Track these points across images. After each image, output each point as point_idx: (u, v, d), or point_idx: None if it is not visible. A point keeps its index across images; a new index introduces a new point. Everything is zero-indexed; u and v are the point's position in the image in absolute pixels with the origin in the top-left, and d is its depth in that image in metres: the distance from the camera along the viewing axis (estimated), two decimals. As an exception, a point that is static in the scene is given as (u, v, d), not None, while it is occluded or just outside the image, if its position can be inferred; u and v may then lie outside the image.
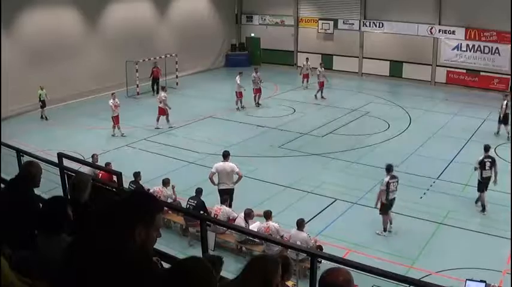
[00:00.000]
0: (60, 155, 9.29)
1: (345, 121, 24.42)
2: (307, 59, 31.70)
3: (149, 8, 32.52)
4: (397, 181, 13.95)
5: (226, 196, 14.27)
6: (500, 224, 13.93)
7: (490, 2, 28.45)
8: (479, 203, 15.23)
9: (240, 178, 14.65)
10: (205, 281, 2.68)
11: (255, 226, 12.78)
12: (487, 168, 14.97)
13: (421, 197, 16.17)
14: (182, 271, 2.70)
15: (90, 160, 15.55)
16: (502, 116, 21.83)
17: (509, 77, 29.38)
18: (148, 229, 2.90)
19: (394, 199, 13.96)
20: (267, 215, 12.58)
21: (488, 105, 23.64)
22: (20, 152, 9.73)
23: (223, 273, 6.49)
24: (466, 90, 30.21)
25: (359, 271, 5.43)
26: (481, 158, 15.16)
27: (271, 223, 12.38)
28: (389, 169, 13.99)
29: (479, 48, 30.41)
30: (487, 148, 15.35)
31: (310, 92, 29.33)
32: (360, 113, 25.80)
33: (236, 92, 26.22)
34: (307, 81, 30.98)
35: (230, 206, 14.20)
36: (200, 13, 36.15)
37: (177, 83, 31.01)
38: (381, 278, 5.57)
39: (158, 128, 23.04)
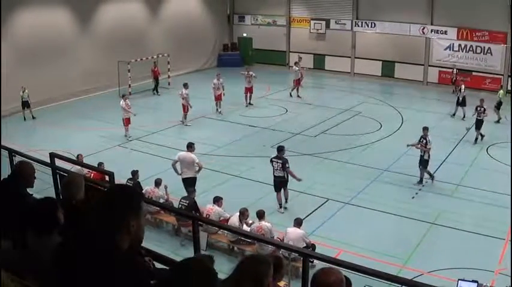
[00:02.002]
0: (53, 155, 9.25)
1: (337, 121, 24.45)
2: (300, 57, 32.08)
3: (141, 8, 32.45)
4: (281, 163, 14.96)
5: (191, 189, 14.82)
6: (492, 224, 14.01)
7: (482, 2, 28.58)
8: (424, 180, 17.05)
9: (200, 168, 15.23)
10: (207, 282, 2.69)
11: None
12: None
13: (413, 197, 16.23)
14: (185, 272, 2.71)
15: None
16: (460, 99, 24.59)
17: (501, 77, 29.55)
18: (138, 218, 2.96)
19: (280, 177, 15.08)
20: (260, 215, 12.58)
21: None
22: (12, 152, 9.66)
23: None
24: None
25: (351, 271, 5.44)
26: (419, 137, 17.10)
27: (263, 223, 12.38)
28: (278, 149, 15.41)
29: (471, 48, 30.54)
30: (424, 129, 17.13)
31: (302, 91, 29.37)
32: (352, 113, 25.85)
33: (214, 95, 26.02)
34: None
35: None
36: (192, 13, 36.10)
37: (169, 83, 30.97)
38: (373, 278, 5.57)
39: (188, 125, 23.67)
